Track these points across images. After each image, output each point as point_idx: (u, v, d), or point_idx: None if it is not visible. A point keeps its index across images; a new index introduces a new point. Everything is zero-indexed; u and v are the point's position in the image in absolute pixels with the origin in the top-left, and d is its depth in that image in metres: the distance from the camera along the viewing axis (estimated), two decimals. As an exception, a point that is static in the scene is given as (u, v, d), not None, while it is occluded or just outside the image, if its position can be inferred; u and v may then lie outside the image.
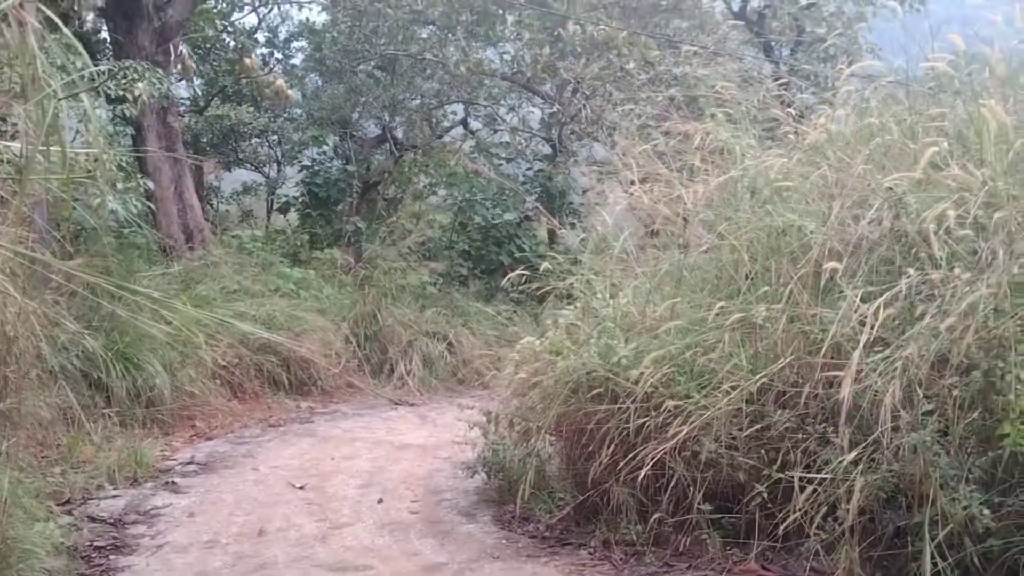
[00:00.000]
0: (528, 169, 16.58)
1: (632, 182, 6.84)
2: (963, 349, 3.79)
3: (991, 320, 3.80)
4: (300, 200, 16.85)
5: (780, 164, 5.60)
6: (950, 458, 3.84)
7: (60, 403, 7.26)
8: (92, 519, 6.43)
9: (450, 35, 15.51)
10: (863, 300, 4.23)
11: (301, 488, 7.08)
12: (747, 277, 5.38)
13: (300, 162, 17.50)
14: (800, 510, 4.18)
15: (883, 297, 4.10)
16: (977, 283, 3.82)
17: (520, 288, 8.74)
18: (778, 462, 4.59)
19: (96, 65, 10.27)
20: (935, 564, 3.66)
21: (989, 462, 3.83)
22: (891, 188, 4.62)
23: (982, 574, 3.69)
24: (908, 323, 4.08)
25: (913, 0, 14.12)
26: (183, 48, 13.77)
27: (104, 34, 14.06)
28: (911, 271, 4.15)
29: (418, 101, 16.64)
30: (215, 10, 16.84)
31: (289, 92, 14.53)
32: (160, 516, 6.54)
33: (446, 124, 18.06)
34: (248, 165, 19.02)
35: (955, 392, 3.88)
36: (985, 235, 4.12)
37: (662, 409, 4.99)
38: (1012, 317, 3.72)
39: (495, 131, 17.93)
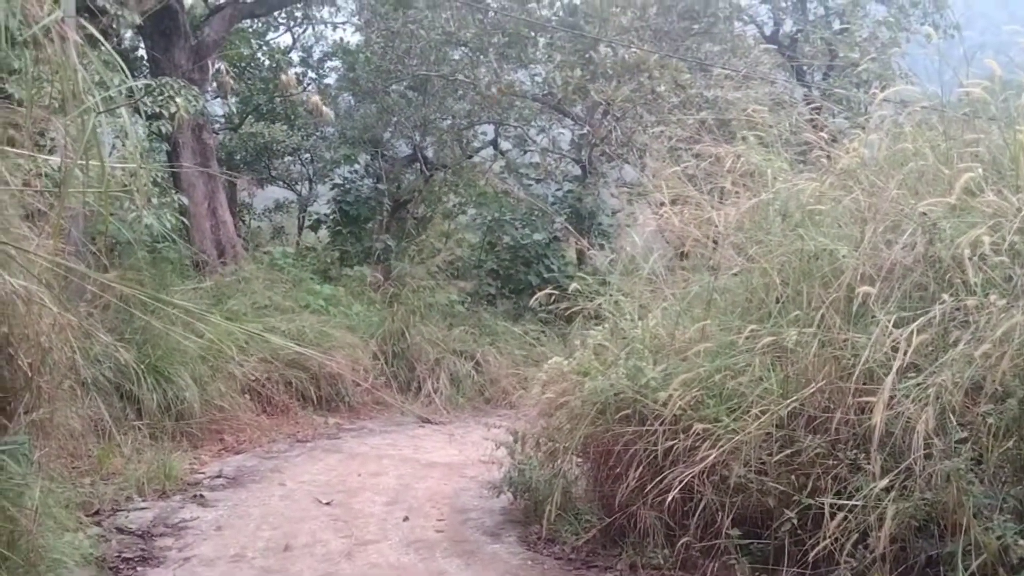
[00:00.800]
0: (558, 190, 16.61)
1: (662, 204, 6.84)
2: (998, 376, 3.74)
3: (1027, 348, 3.75)
4: (331, 218, 16.99)
5: (812, 188, 5.57)
6: (984, 487, 3.79)
7: (91, 414, 7.35)
8: (120, 531, 6.49)
9: (482, 57, 15.62)
10: (896, 326, 4.20)
11: (328, 504, 7.10)
12: (778, 301, 5.35)
13: (332, 180, 17.65)
14: (830, 537, 4.13)
15: (916, 323, 4.06)
16: (1012, 310, 3.78)
17: (548, 308, 8.75)
18: (808, 488, 4.54)
19: (129, 80, 10.45)
20: (968, 595, 3.61)
21: (1024, 492, 3.77)
22: (925, 213, 4.59)
23: (1016, 606, 3.63)
24: (942, 349, 4.04)
25: (948, 26, 14.06)
26: (222, 65, 13.98)
27: (141, 52, 14.32)
28: (945, 297, 4.12)
29: (449, 121, 16.75)
30: (250, 30, 17.11)
31: (324, 108, 14.69)
32: (188, 529, 6.58)
33: (476, 144, 18.15)
34: (280, 182, 19.22)
35: (989, 420, 3.83)
36: (1020, 261, 4.08)
37: (691, 432, 4.96)
38: (1048, 345, 3.67)
39: (525, 152, 17.99)
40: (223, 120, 17.56)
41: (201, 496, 7.34)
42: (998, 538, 3.61)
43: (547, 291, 7.09)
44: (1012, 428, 3.80)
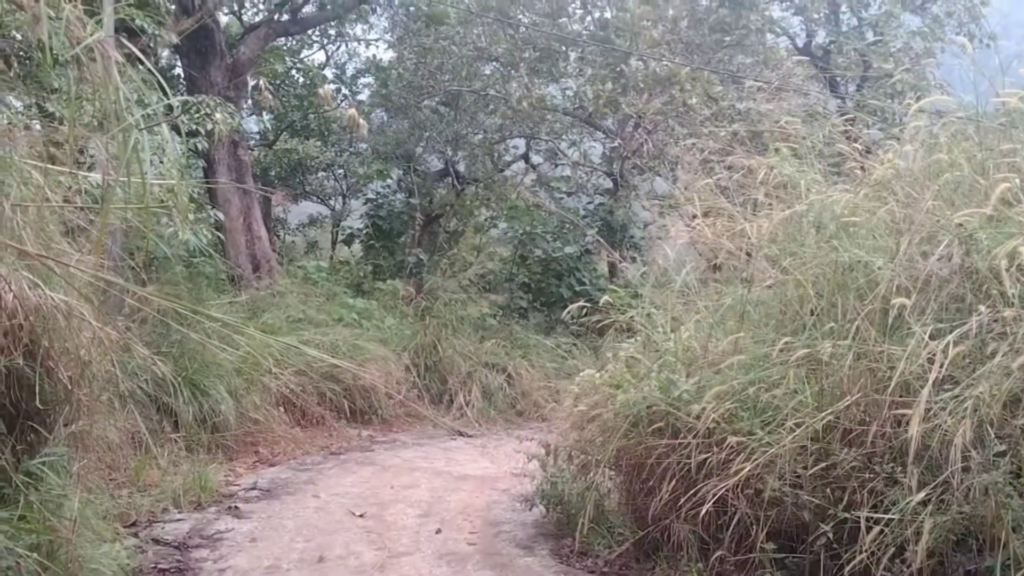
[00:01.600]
0: (589, 203, 16.62)
1: (694, 216, 6.82)
2: (1037, 389, 3.69)
3: (1066, 359, 3.69)
4: (364, 232, 17.13)
5: (846, 199, 5.52)
6: (1023, 500, 3.72)
7: (129, 427, 7.45)
8: (157, 542, 6.56)
9: (513, 71, 15.70)
10: (932, 337, 4.15)
11: (361, 516, 7.13)
12: (812, 313, 5.31)
13: (365, 195, 17.82)
14: (867, 551, 4.08)
15: (953, 334, 4.02)
16: (1052, 321, 3.73)
17: (580, 321, 8.74)
18: (844, 501, 4.49)
19: (170, 98, 10.63)
20: (1008, 610, 3.55)
21: (1065, 506, 3.70)
22: (961, 224, 4.54)
23: (1058, 621, 3.56)
24: (979, 361, 3.99)
25: (983, 36, 13.92)
26: (261, 81, 14.18)
27: (178, 70, 14.56)
28: (982, 308, 4.07)
29: (481, 136, 16.85)
30: (285, 47, 17.34)
31: (361, 120, 14.85)
32: (223, 540, 6.64)
33: (508, 158, 18.23)
34: (314, 198, 19.44)
35: (1029, 433, 3.77)
36: (1059, 273, 4.02)
37: (724, 445, 4.93)
38: (1089, 357, 3.61)
39: (556, 165, 18.04)
40: (258, 136, 17.80)
41: (236, 508, 7.40)
42: (1039, 553, 3.55)
43: (579, 304, 7.10)
44: (1052, 441, 3.74)
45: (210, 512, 7.25)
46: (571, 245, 15.10)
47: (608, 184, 16.68)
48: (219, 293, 11.13)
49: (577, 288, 14.36)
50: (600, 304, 6.83)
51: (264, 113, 17.25)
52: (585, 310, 6.98)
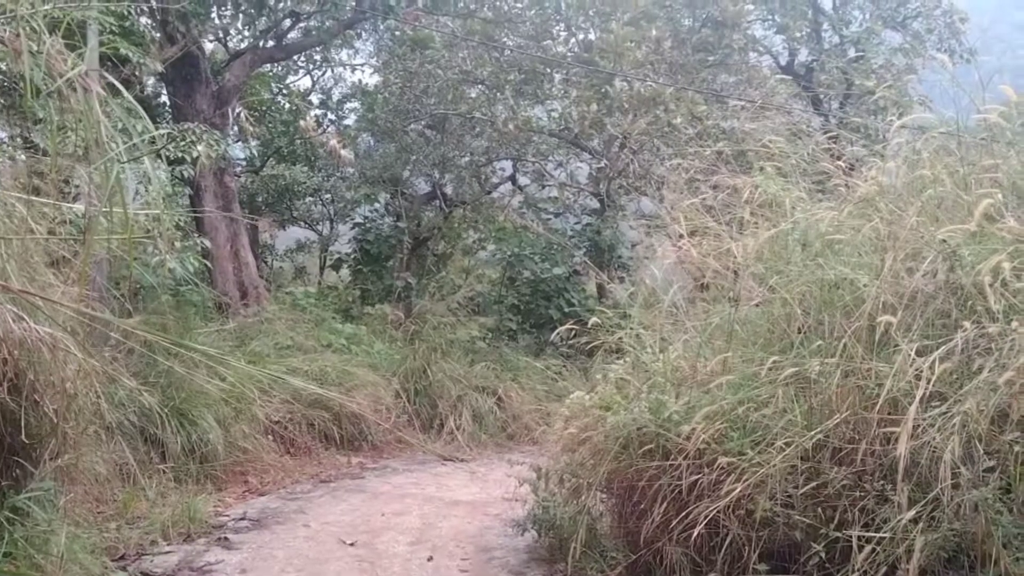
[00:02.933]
0: (576, 223, 16.67)
1: (681, 236, 6.83)
2: (1023, 404, 3.69)
3: (1053, 374, 3.70)
4: (352, 256, 17.14)
5: (831, 217, 5.55)
6: (1013, 516, 3.72)
7: (116, 459, 7.39)
8: (146, 575, 6.49)
9: (498, 94, 15.78)
10: (919, 354, 4.15)
11: (351, 545, 7.07)
12: (800, 331, 5.31)
13: (352, 219, 17.85)
14: (859, 570, 4.06)
15: (939, 351, 4.02)
16: (1036, 336, 3.73)
17: (569, 342, 8.73)
18: (835, 520, 4.47)
19: (156, 128, 10.66)
20: (1001, 628, 3.54)
21: (1055, 521, 3.70)
22: (945, 240, 4.56)
23: (1051, 638, 3.55)
24: (966, 377, 3.99)
25: (963, 51, 14.06)
26: (241, 111, 14.20)
27: (164, 98, 14.58)
28: (967, 324, 4.07)
29: (467, 158, 16.91)
30: (271, 73, 17.39)
31: (343, 152, 14.89)
32: (213, 572, 6.57)
33: (495, 180, 18.30)
34: (302, 223, 19.44)
35: (1017, 448, 3.76)
36: (1043, 287, 4.03)
37: (715, 466, 4.91)
38: (1075, 371, 3.61)
39: (543, 186, 18.12)
40: (244, 163, 17.81)
41: (226, 539, 7.33)
42: (1030, 569, 3.54)
43: (568, 325, 7.09)
44: (1040, 456, 3.74)
45: (199, 544, 7.18)
46: (559, 266, 15.12)
47: (595, 204, 16.74)
48: (207, 321, 11.08)
49: (566, 309, 14.38)
50: (589, 325, 6.83)
51: (250, 139, 17.27)
52: (574, 331, 6.97)
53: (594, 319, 6.78)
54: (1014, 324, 3.88)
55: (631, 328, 6.54)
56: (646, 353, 6.30)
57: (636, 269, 14.65)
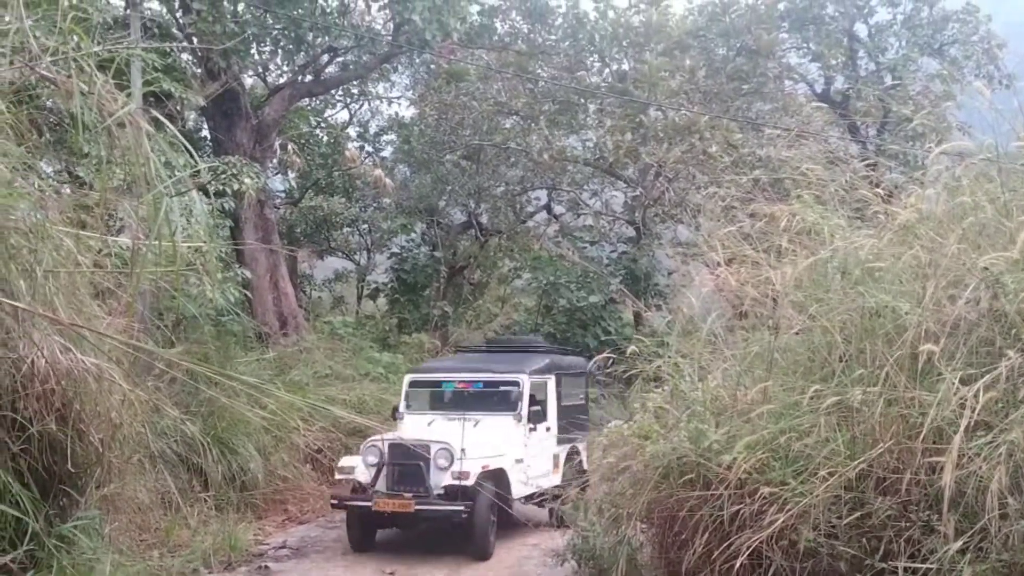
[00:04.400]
0: (612, 252, 16.68)
1: (718, 263, 6.81)
2: (1072, 433, 3.63)
3: (1101, 402, 3.64)
4: (389, 286, 17.26)
5: (870, 244, 5.51)
6: (1064, 548, 3.65)
7: (159, 487, 7.48)
8: (188, 602, 6.54)
9: (533, 124, 15.90)
10: (963, 383, 4.10)
11: (391, 574, 7.08)
12: (841, 359, 5.25)
13: (389, 249, 18.00)
14: (906, 602, 4.00)
15: (984, 379, 3.97)
16: (1084, 364, 3.68)
17: (606, 371, 8.71)
18: (880, 551, 4.41)
19: (197, 162, 10.88)
20: (1053, 661, 3.46)
21: (1106, 552, 3.61)
22: (987, 268, 4.51)
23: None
24: (1011, 406, 3.93)
25: (1002, 77, 13.94)
26: (290, 145, 14.42)
27: (205, 132, 14.86)
28: (1011, 353, 4.02)
29: (502, 188, 17.03)
30: (309, 107, 17.66)
31: (387, 180, 15.07)
32: (253, 601, 6.61)
33: (530, 209, 18.39)
34: (340, 253, 19.63)
35: (1067, 478, 3.70)
36: (1089, 314, 3.98)
37: (757, 496, 4.85)
38: (1123, 400, 3.55)
39: (578, 215, 18.17)
40: (284, 195, 18.06)
41: (266, 567, 7.39)
42: (1083, 601, 3.46)
43: (605, 354, 7.08)
44: (1091, 486, 3.67)
45: (240, 572, 7.25)
46: (595, 294, 15.11)
47: (631, 232, 16.74)
48: (247, 350, 11.21)
49: (603, 337, 14.35)
50: (626, 353, 6.81)
51: (289, 172, 17.53)
52: (611, 360, 6.95)
53: (632, 347, 6.77)
54: (1060, 352, 3.83)
55: (669, 356, 6.51)
56: (685, 382, 6.27)
57: (673, 297, 14.61)
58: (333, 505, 8.17)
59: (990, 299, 4.46)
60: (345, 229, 19.03)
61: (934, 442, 4.21)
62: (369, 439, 8.07)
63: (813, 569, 4.71)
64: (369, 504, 7.68)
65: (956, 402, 4.05)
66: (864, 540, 4.53)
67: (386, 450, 7.87)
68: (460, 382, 9.15)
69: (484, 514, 7.75)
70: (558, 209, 18.36)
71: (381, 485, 7.82)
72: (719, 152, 13.49)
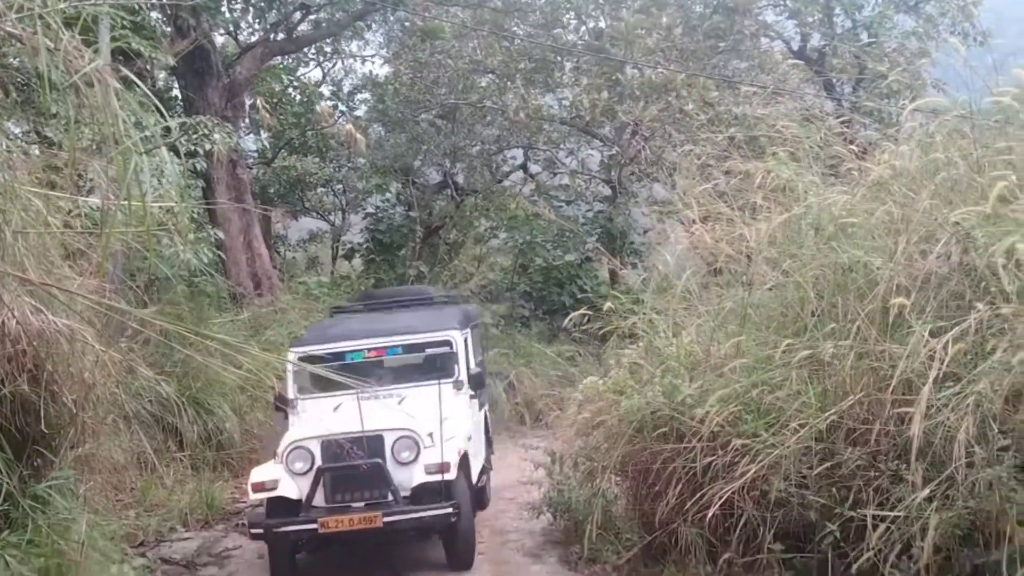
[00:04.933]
0: (588, 211, 16.66)
1: (693, 221, 6.84)
2: (1038, 383, 3.70)
3: (1066, 353, 3.70)
4: (364, 246, 17.18)
5: (844, 201, 5.55)
6: (1028, 493, 3.73)
7: (134, 448, 7.47)
8: (165, 561, 6.58)
9: (509, 83, 15.76)
10: (932, 335, 4.17)
11: (367, 530, 7.10)
12: (813, 314, 5.32)
13: (364, 209, 17.89)
14: (874, 549, 4.09)
15: (952, 332, 4.03)
16: (1050, 315, 3.74)
17: (582, 328, 8.76)
18: (850, 500, 4.50)
19: (168, 120, 10.73)
20: (1015, 604, 3.56)
21: (1069, 498, 3.71)
22: (958, 223, 4.56)
23: (1065, 612, 3.57)
24: (979, 358, 4.00)
25: (977, 34, 13.96)
26: (259, 101, 14.22)
27: (176, 92, 14.62)
28: (980, 306, 4.08)
29: (478, 147, 16.92)
30: (281, 66, 17.40)
31: (358, 135, 14.92)
32: (231, 558, 6.66)
33: (506, 169, 18.30)
34: (314, 213, 19.48)
35: (1031, 427, 3.78)
36: (1057, 268, 4.03)
37: (729, 448, 4.94)
38: (1087, 350, 3.62)
39: (555, 174, 18.10)
40: (256, 155, 17.86)
41: (244, 525, 7.40)
42: (1045, 545, 3.56)
43: (581, 311, 7.11)
44: (1055, 434, 3.75)
45: (218, 530, 7.27)
46: (571, 253, 15.13)
47: (607, 191, 16.72)
48: (221, 311, 11.15)
49: (579, 296, 14.38)
50: (602, 311, 6.85)
51: (262, 131, 17.32)
52: (587, 317, 6.99)
53: (607, 305, 6.80)
54: (1028, 304, 3.89)
55: (644, 313, 6.56)
56: (659, 338, 6.33)
57: (648, 255, 14.66)
58: (254, 536, 6.21)
59: (960, 253, 4.52)
60: (319, 189, 18.87)
61: (903, 394, 4.29)
62: (290, 440, 6.33)
63: (784, 518, 4.82)
64: (312, 527, 5.96)
65: (925, 354, 4.11)
66: (833, 489, 4.63)
67: (318, 451, 6.16)
68: (371, 350, 7.05)
69: (470, 515, 6.33)
70: (534, 168, 18.29)
71: (320, 499, 6.14)
72: (695, 110, 13.44)
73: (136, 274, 9.01)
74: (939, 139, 5.52)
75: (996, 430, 3.81)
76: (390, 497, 6.10)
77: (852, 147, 6.46)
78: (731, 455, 4.90)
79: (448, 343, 7.03)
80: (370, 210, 17.58)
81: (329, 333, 7.51)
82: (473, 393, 7.18)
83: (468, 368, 7.11)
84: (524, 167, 18.17)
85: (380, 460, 6.13)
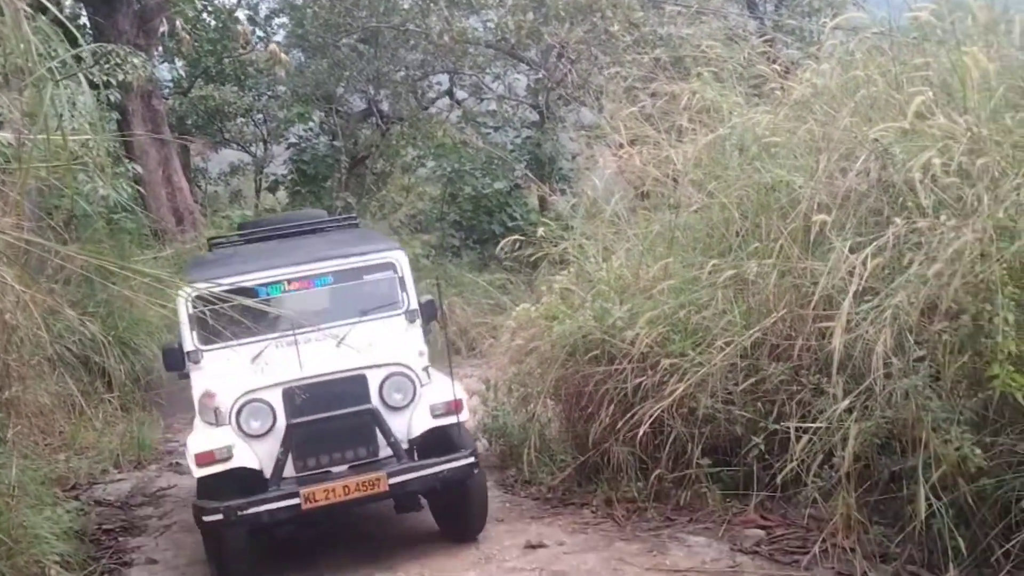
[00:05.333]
0: (516, 137, 16.54)
1: (621, 145, 6.86)
2: (951, 294, 3.81)
3: (978, 265, 3.82)
4: (289, 178, 16.85)
5: (767, 121, 5.61)
6: (942, 402, 3.88)
7: (60, 390, 7.31)
8: (99, 503, 6.51)
9: (432, 4, 15.38)
10: (852, 251, 4.27)
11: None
12: (738, 234, 5.43)
13: (287, 140, 17.49)
14: (797, 460, 4.25)
15: (871, 247, 4.13)
16: (963, 229, 3.84)
17: (513, 256, 8.78)
18: (774, 414, 4.67)
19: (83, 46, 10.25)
20: (930, 505, 3.73)
21: (980, 404, 3.86)
22: (877, 139, 4.64)
23: (975, 513, 3.75)
24: (897, 271, 4.11)
25: (895, -49, 14.06)
26: (179, 23, 13.67)
27: (84, 20, 13.95)
28: (898, 220, 4.18)
29: (403, 73, 16.57)
30: (194, -11, 16.72)
31: (283, 55, 14.48)
32: (167, 497, 6.62)
33: (432, 95, 18.00)
34: (235, 145, 18.99)
35: (945, 337, 3.91)
36: (970, 181, 4.13)
37: (658, 368, 5.05)
38: (998, 261, 3.74)
39: (481, 100, 17.86)
40: (172, 85, 17.26)
41: (177, 464, 7.37)
42: (956, 450, 3.71)
43: (512, 239, 7.11)
44: (966, 344, 3.87)
45: (151, 470, 7.22)
46: (500, 181, 15.06)
47: (534, 117, 16.60)
48: (143, 249, 10.86)
49: (509, 224, 14.37)
50: (532, 238, 6.86)
51: (177, 60, 16.70)
52: (518, 245, 7.00)
53: (539, 232, 6.82)
54: (943, 218, 4.00)
55: (574, 239, 6.59)
56: (589, 263, 6.38)
57: (577, 180, 14.67)
58: (208, 525, 4.73)
59: (879, 170, 4.62)
60: (239, 119, 18.34)
61: (824, 309, 4.41)
62: (241, 392, 4.93)
63: (711, 434, 4.99)
64: (292, 503, 4.69)
65: (845, 270, 4.22)
66: (758, 404, 4.80)
67: (279, 403, 4.88)
68: (294, 280, 5.61)
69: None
70: (460, 94, 18.01)
71: (289, 467, 4.89)
72: (621, 31, 13.34)
73: (53, 212, 8.69)
74: (859, 57, 5.59)
75: (912, 341, 3.94)
76: (382, 454, 5.02)
77: (775, 66, 6.50)
78: (660, 375, 5.02)
79: (392, 266, 5.76)
80: (293, 140, 17.19)
81: (233, 264, 5.84)
82: (428, 325, 5.97)
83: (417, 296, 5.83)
84: (450, 93, 17.89)
85: (370, 405, 5.00)
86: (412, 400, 5.10)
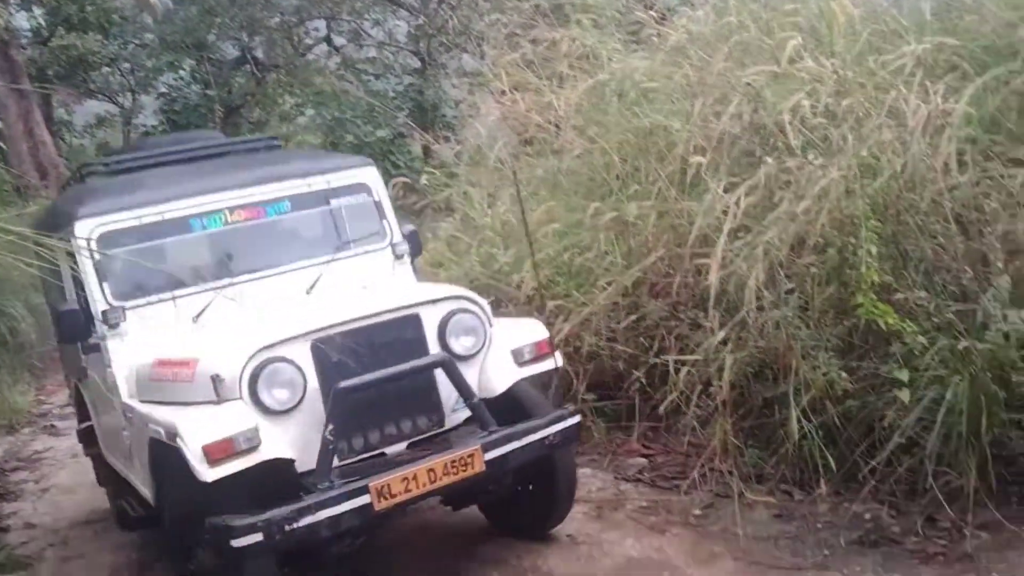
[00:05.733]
0: (398, 84, 16.34)
1: (503, 92, 6.86)
2: (819, 230, 4.01)
3: (843, 201, 4.03)
4: (159, 129, 16.21)
5: (645, 66, 5.71)
6: (810, 330, 4.10)
7: (-78, 354, 6.96)
8: (-30, 468, 6.25)
9: (307, -53, 14.97)
10: (726, 191, 4.42)
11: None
12: (618, 178, 5.54)
13: (156, 90, 16.82)
14: (677, 391, 4.42)
15: (744, 187, 4.29)
16: (829, 168, 4.03)
17: (399, 204, 8.72)
18: (654, 348, 4.83)
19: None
20: (801, 428, 3.95)
21: (845, 331, 4.10)
22: (750, 83, 4.79)
23: (842, 433, 4.00)
24: (768, 209, 4.28)
25: None
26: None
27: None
28: (769, 160, 4.35)
29: (277, 19, 16.11)
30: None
31: (152, 0, 13.84)
32: (42, 460, 6.41)
33: (309, 42, 17.55)
34: (101, 96, 18.14)
35: (813, 270, 4.13)
36: (836, 122, 4.33)
37: (545, 310, 5.14)
38: (861, 197, 3.96)
39: (361, 47, 17.53)
40: (31, 34, 16.30)
41: (52, 426, 7.13)
42: (824, 375, 3.93)
43: (397, 180, 7.05)
44: (832, 275, 4.10)
45: (25, 434, 6.96)
46: (383, 129, 14.89)
47: (416, 64, 16.43)
48: (5, 205, 10.32)
49: (393, 172, 14.21)
50: (417, 186, 6.84)
51: (35, 8, 15.74)
52: (402, 192, 6.96)
53: (423, 180, 6.79)
54: (811, 157, 4.19)
55: (459, 186, 6.60)
56: (475, 209, 6.40)
57: (461, 128, 14.60)
58: (238, 553, 3.12)
59: (751, 112, 4.77)
60: (104, 69, 17.50)
61: (701, 247, 4.57)
62: (254, 349, 3.38)
63: (595, 370, 5.12)
64: (361, 503, 3.23)
65: (720, 209, 4.37)
66: (640, 340, 4.95)
67: (309, 363, 3.45)
68: (238, 208, 4.19)
69: None
70: (339, 41, 17.60)
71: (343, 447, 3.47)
72: (500, -22, 13.27)
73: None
74: (732, 3, 5.72)
75: (783, 275, 4.14)
76: (448, 421, 3.73)
77: (652, 13, 6.60)
78: (547, 316, 5.11)
79: (365, 187, 4.53)
80: (163, 90, 16.54)
81: (147, 190, 4.18)
82: (412, 260, 4.63)
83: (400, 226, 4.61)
84: (328, 40, 17.47)
85: (439, 355, 3.63)
86: (484, 345, 3.82)
